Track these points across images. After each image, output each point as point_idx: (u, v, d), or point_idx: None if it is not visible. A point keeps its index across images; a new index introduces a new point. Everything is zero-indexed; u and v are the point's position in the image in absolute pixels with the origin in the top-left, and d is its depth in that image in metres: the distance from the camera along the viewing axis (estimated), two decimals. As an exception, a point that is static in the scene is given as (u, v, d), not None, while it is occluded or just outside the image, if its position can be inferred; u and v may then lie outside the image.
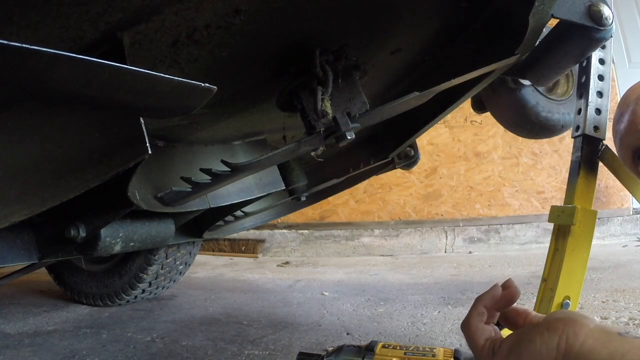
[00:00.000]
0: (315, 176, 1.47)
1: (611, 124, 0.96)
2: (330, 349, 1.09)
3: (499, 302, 0.58)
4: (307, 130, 0.79)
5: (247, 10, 0.64)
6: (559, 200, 3.36)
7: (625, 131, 0.87)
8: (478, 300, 0.59)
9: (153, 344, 1.50)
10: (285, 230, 3.77)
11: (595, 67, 1.21)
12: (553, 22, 0.84)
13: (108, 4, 0.53)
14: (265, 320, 1.74)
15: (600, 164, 1.19)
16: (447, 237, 3.64)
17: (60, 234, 0.85)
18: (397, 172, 3.65)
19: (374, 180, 3.59)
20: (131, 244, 1.04)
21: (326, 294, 2.19)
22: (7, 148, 0.59)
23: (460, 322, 0.59)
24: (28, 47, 0.36)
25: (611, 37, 0.87)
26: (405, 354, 0.99)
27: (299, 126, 0.89)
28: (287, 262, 3.34)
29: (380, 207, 3.73)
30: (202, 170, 0.79)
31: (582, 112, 1.20)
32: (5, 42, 0.35)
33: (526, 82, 1.25)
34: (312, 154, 0.86)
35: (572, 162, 1.22)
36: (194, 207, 1.02)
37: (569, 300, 1.06)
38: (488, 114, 1.45)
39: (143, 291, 1.95)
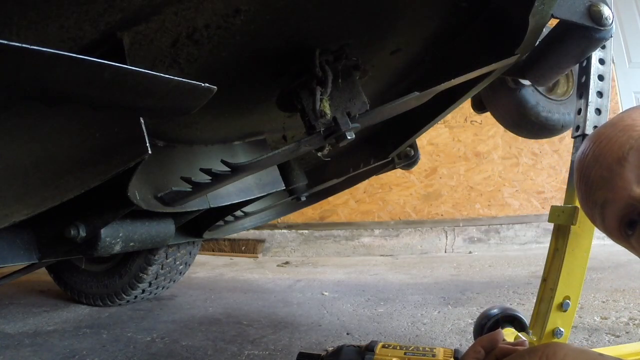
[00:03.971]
0: (315, 176, 1.47)
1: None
2: (330, 349, 1.09)
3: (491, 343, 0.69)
4: (307, 130, 0.79)
5: (247, 10, 0.64)
6: (559, 200, 3.36)
7: (610, 198, 0.62)
8: (478, 341, 0.70)
9: (153, 344, 1.50)
10: (285, 230, 3.77)
11: (595, 67, 1.20)
12: (553, 22, 0.84)
13: (108, 4, 0.53)
14: (265, 320, 1.74)
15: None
16: (447, 237, 3.64)
17: (60, 234, 0.85)
18: (397, 172, 3.65)
19: (374, 180, 3.59)
20: (131, 244, 1.04)
21: (326, 294, 2.19)
22: (7, 148, 0.59)
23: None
24: (28, 47, 0.36)
25: (611, 37, 0.87)
26: (405, 354, 0.99)
27: (299, 126, 0.89)
28: (287, 262, 3.34)
29: (380, 207, 3.73)
30: (202, 170, 0.79)
31: (582, 112, 1.20)
32: (5, 42, 0.35)
33: (526, 82, 1.25)
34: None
35: (572, 162, 1.21)
36: (194, 207, 1.02)
37: (569, 300, 1.06)
38: (488, 114, 1.45)
39: (143, 291, 1.96)
